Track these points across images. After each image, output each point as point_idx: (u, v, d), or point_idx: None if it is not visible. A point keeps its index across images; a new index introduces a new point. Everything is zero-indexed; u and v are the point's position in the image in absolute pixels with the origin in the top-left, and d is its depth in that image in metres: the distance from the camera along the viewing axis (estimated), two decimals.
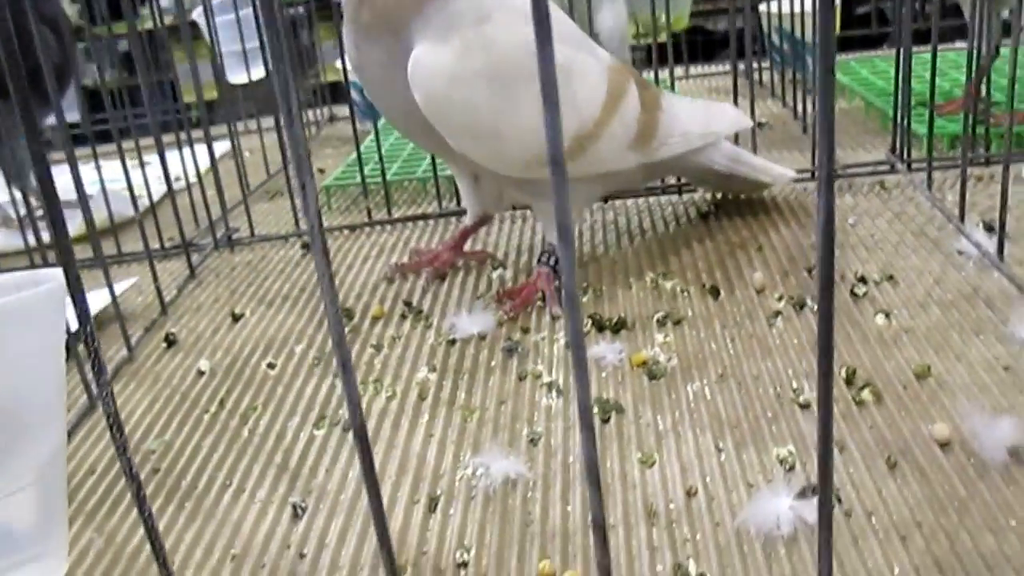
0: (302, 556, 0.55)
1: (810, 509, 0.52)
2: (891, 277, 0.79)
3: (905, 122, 1.02)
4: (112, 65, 1.01)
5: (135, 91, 0.98)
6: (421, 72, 0.71)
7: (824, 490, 0.33)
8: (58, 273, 0.51)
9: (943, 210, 0.91)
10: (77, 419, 0.72)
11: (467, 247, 0.93)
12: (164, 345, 0.84)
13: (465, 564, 0.52)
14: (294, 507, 0.59)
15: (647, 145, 0.82)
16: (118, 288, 0.86)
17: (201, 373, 0.78)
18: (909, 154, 1.04)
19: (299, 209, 1.10)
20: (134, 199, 0.95)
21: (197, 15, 1.36)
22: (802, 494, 0.53)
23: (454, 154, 0.78)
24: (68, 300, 0.50)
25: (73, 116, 1.15)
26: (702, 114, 0.89)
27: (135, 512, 0.61)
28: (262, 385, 0.74)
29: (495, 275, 0.90)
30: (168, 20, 1.13)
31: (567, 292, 0.28)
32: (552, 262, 0.83)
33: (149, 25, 0.94)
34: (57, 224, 0.31)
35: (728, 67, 1.66)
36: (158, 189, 1.08)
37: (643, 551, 0.51)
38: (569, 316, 0.28)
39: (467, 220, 0.92)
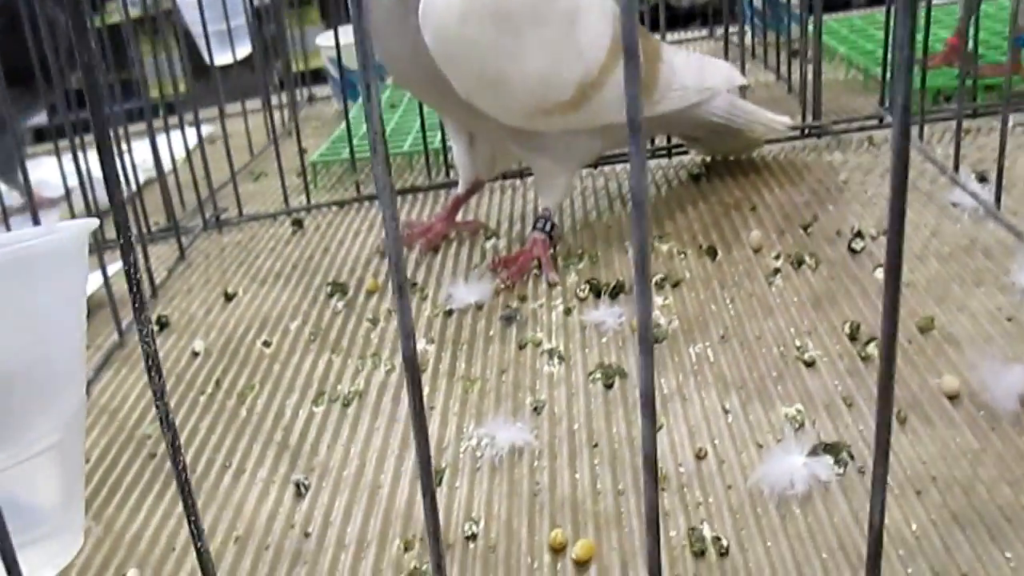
0: (307, 535, 0.54)
1: (823, 467, 0.52)
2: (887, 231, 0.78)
3: (893, 76, 1.01)
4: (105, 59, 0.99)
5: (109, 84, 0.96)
6: (432, 11, 0.70)
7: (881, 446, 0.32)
8: (80, 223, 0.50)
9: (936, 162, 0.90)
10: None
11: (459, 217, 0.92)
12: (156, 328, 0.82)
13: (474, 536, 0.51)
14: (297, 485, 0.58)
15: (649, 97, 0.81)
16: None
17: (195, 354, 0.76)
18: None
19: (288, 189, 1.08)
20: (127, 183, 0.94)
21: None
22: (814, 452, 0.53)
23: (454, 107, 0.77)
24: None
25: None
26: (697, 69, 0.87)
27: (133, 498, 0.60)
28: (258, 364, 0.73)
29: (488, 245, 0.89)
30: (136, 13, 1.11)
31: (635, 196, 0.26)
32: (548, 228, 0.82)
33: (116, 19, 0.92)
34: (110, 177, 0.30)
35: (704, 32, 1.65)
36: (142, 175, 1.06)
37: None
38: (635, 220, 0.26)
39: (459, 189, 0.91)
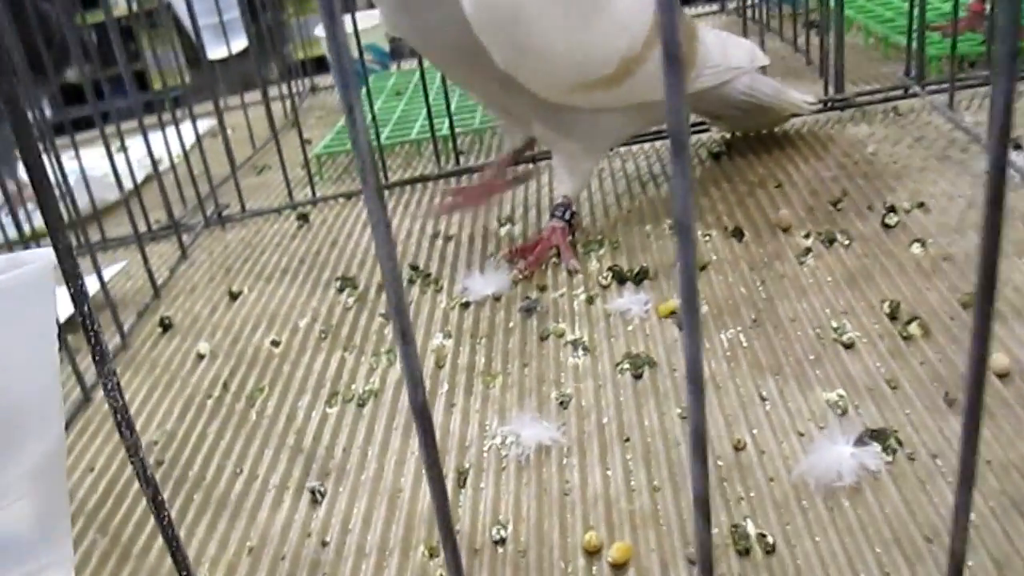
0: (324, 543, 0.51)
1: (871, 456, 0.48)
2: (921, 204, 0.75)
3: (919, 44, 0.97)
4: (90, 56, 0.96)
5: (103, 80, 0.93)
6: None
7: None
8: (44, 253, 0.47)
9: (967, 131, 0.86)
10: (72, 414, 0.69)
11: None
12: (159, 330, 0.79)
13: (503, 540, 0.48)
14: (312, 492, 0.55)
15: (686, 76, 0.78)
16: (106, 274, 0.81)
17: (201, 356, 0.73)
18: (923, 76, 1.00)
19: (292, 182, 1.05)
20: (119, 182, 0.91)
21: None
22: (860, 440, 0.50)
23: (485, 81, 0.74)
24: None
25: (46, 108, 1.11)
26: (724, 47, 0.84)
27: (140, 508, 0.57)
28: (267, 364, 0.70)
29: (503, 232, 0.86)
30: (122, 11, 1.09)
31: (680, 222, 0.23)
32: (567, 216, 0.78)
33: (115, 15, 0.88)
34: (45, 198, 0.27)
35: (715, 7, 1.61)
36: (140, 172, 1.03)
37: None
38: (681, 248, 0.23)
39: (512, 146, 0.88)
